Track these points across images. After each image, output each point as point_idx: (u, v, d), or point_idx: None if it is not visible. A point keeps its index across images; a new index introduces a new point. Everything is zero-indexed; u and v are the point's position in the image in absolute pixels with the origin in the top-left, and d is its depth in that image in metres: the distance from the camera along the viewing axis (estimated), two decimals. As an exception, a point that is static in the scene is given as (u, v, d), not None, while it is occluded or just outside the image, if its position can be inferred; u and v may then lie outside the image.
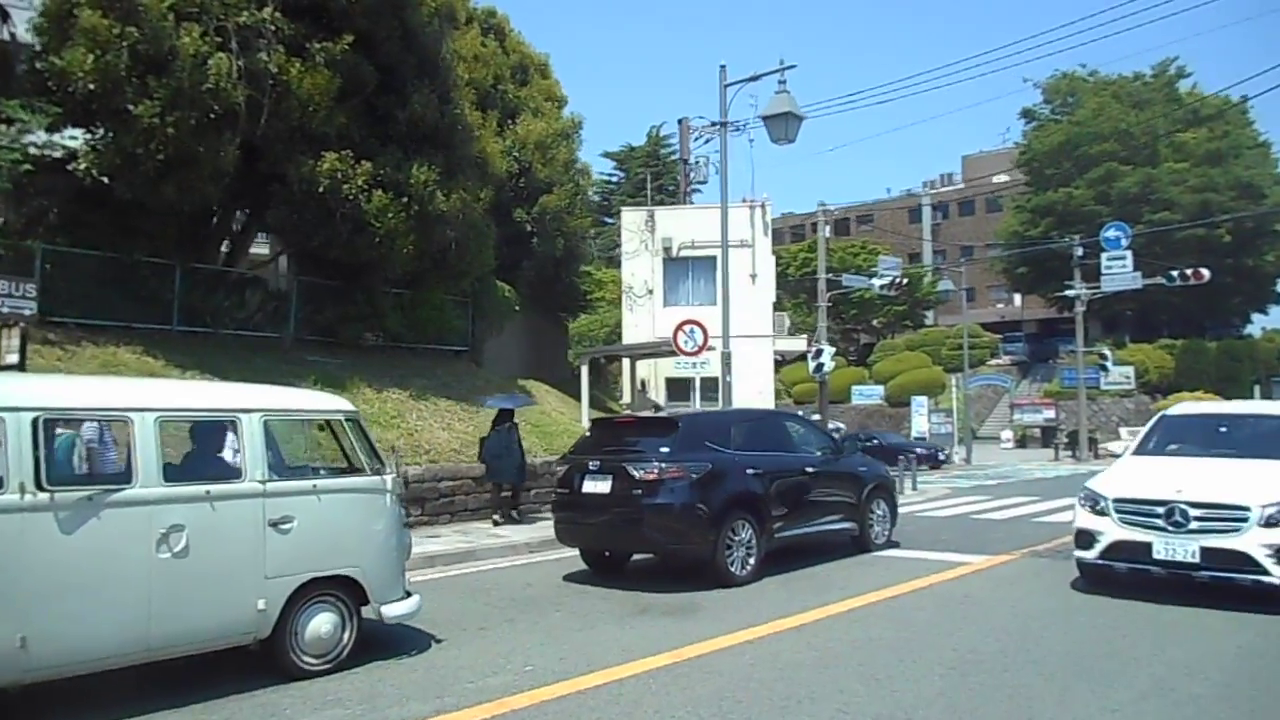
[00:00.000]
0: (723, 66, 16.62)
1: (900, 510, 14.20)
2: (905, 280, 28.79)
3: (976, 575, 9.97)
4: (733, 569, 9.34)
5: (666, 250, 23.69)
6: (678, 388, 23.88)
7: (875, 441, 32.49)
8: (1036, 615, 7.94)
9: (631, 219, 24.04)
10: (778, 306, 60.21)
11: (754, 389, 22.98)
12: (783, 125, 16.30)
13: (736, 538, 9.42)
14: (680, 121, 32.38)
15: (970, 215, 78.15)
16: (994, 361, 50.71)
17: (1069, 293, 34.20)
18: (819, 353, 25.02)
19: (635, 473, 9.14)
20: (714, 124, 34.70)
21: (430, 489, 13.91)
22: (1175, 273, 31.19)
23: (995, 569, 10.34)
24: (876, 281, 27.95)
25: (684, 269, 23.88)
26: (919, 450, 30.71)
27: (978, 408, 46.56)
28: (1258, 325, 58.98)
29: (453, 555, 11.45)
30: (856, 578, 9.76)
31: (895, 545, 12.01)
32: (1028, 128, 51.75)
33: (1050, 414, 39.26)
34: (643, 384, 23.62)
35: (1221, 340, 44.95)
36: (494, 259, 18.95)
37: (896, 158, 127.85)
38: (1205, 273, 30.60)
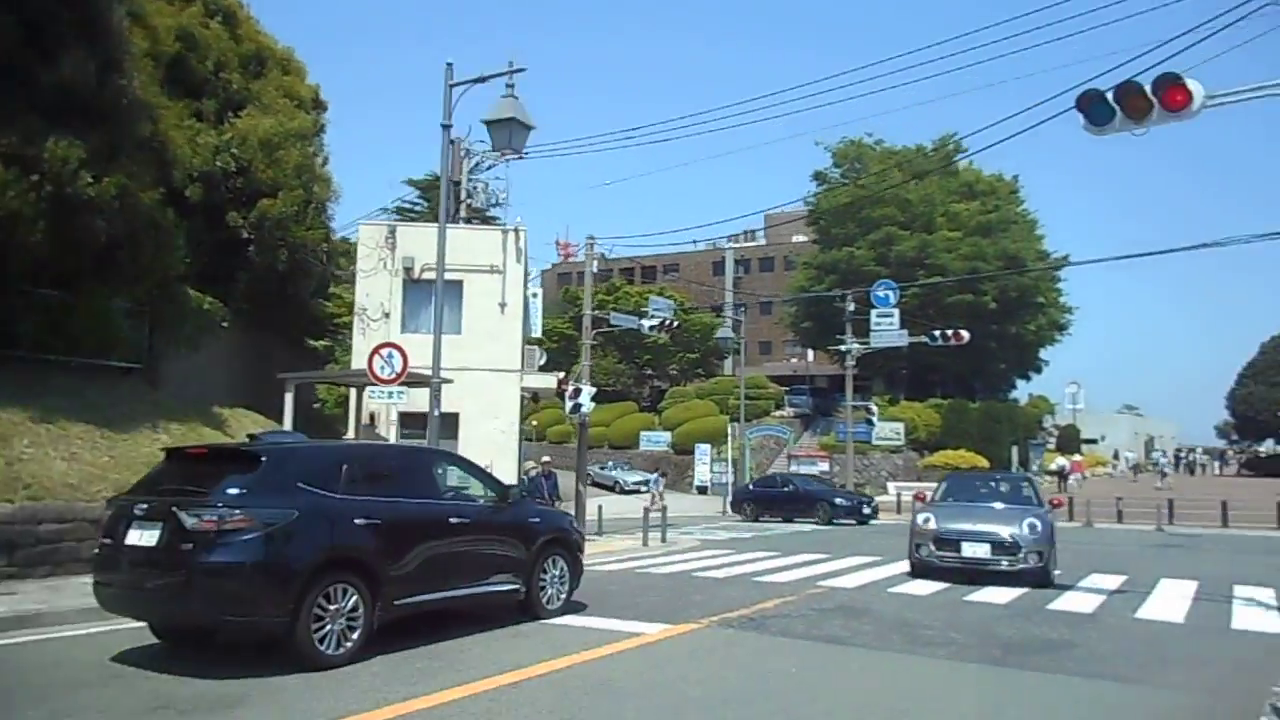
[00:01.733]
0: (449, 65, 14.89)
1: (625, 565, 12.60)
2: (675, 323, 27.95)
3: (640, 651, 8.42)
4: (322, 646, 7.35)
5: (408, 271, 21.61)
6: (413, 423, 21.68)
7: (790, 488, 31.17)
8: (668, 709, 6.41)
9: (370, 234, 21.83)
10: (562, 349, 59.06)
11: (497, 428, 21.13)
12: (506, 132, 14.75)
13: (332, 607, 7.44)
14: (452, 142, 30.52)
15: (770, 271, 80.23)
16: (778, 413, 51.17)
17: (842, 348, 34.45)
18: (577, 392, 23.52)
19: (187, 520, 7.03)
20: (492, 149, 33.13)
21: (24, 533, 11.16)
22: (939, 332, 31.89)
23: (666, 642, 8.83)
24: (646, 322, 26.91)
25: (427, 292, 21.80)
26: (839, 500, 29.55)
27: (759, 458, 46.56)
28: (1024, 390, 62.98)
29: (5, 620, 8.92)
30: (494, 654, 8.00)
31: (578, 609, 10.37)
32: (819, 190, 53.19)
33: (824, 466, 39.47)
34: (372, 417, 21.30)
35: (984, 402, 47.06)
36: (184, 263, 16.31)
37: (705, 212, 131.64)
38: (965, 334, 31.46)
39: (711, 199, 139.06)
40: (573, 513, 25.03)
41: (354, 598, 7.65)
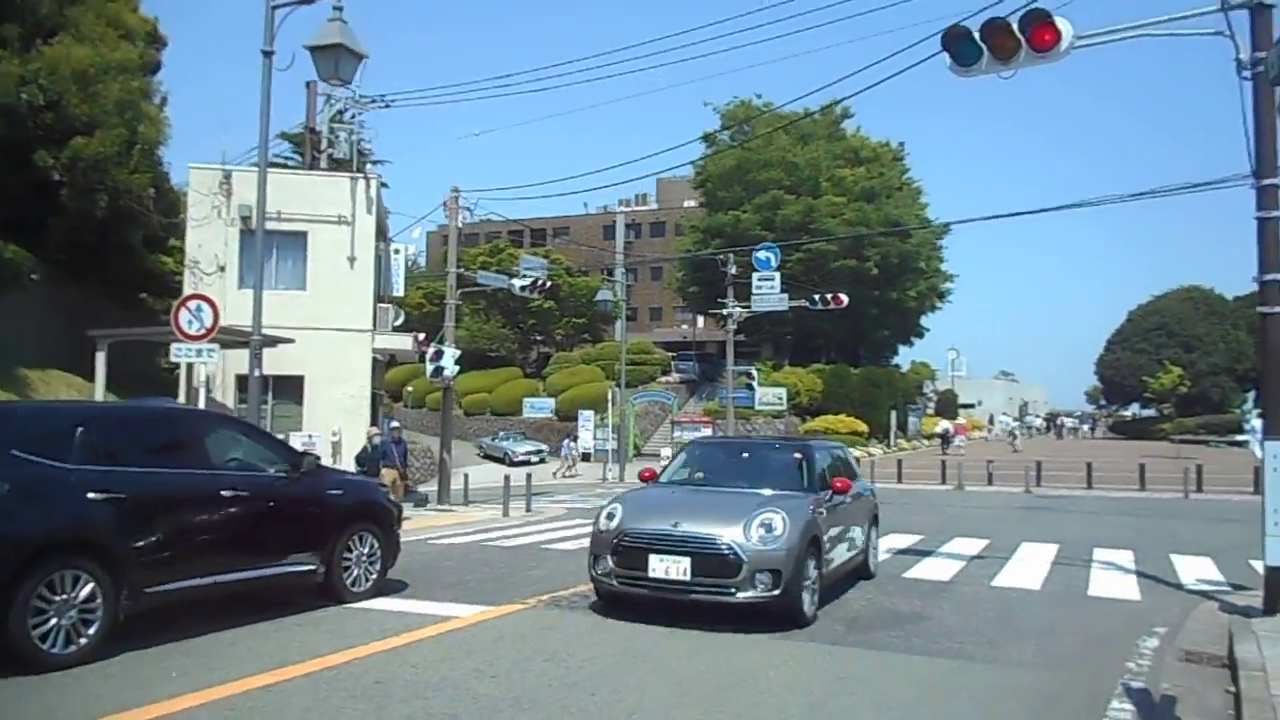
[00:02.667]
0: (270, -18, 13.26)
1: (474, 537, 11.48)
2: (549, 283, 26.74)
3: (441, 639, 7.35)
4: (45, 645, 6.07)
5: (245, 220, 19.76)
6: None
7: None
8: (441, 717, 5.37)
9: (202, 179, 19.83)
10: (443, 312, 57.20)
11: (346, 392, 19.63)
12: (333, 60, 13.29)
13: (57, 598, 6.15)
14: (308, 84, 28.46)
15: (661, 236, 79.47)
16: (664, 379, 50.63)
17: (723, 311, 33.85)
18: (439, 354, 22.16)
19: None
20: (357, 97, 31.03)
21: None
22: (818, 297, 31.55)
23: (478, 627, 7.79)
24: (517, 282, 25.62)
25: (268, 245, 19.99)
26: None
27: (644, 424, 45.96)
28: (907, 356, 64.14)
29: None
30: (268, 648, 6.84)
31: (393, 590, 9.28)
32: (708, 152, 52.49)
33: (708, 432, 39.02)
34: (207, 380, 19.47)
35: (865, 368, 47.46)
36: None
37: (598, 176, 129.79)
38: (844, 298, 31.18)
39: (604, 162, 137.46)
40: (438, 482, 23.91)
41: (88, 586, 6.36)
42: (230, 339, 18.47)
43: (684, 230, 59.27)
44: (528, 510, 20.04)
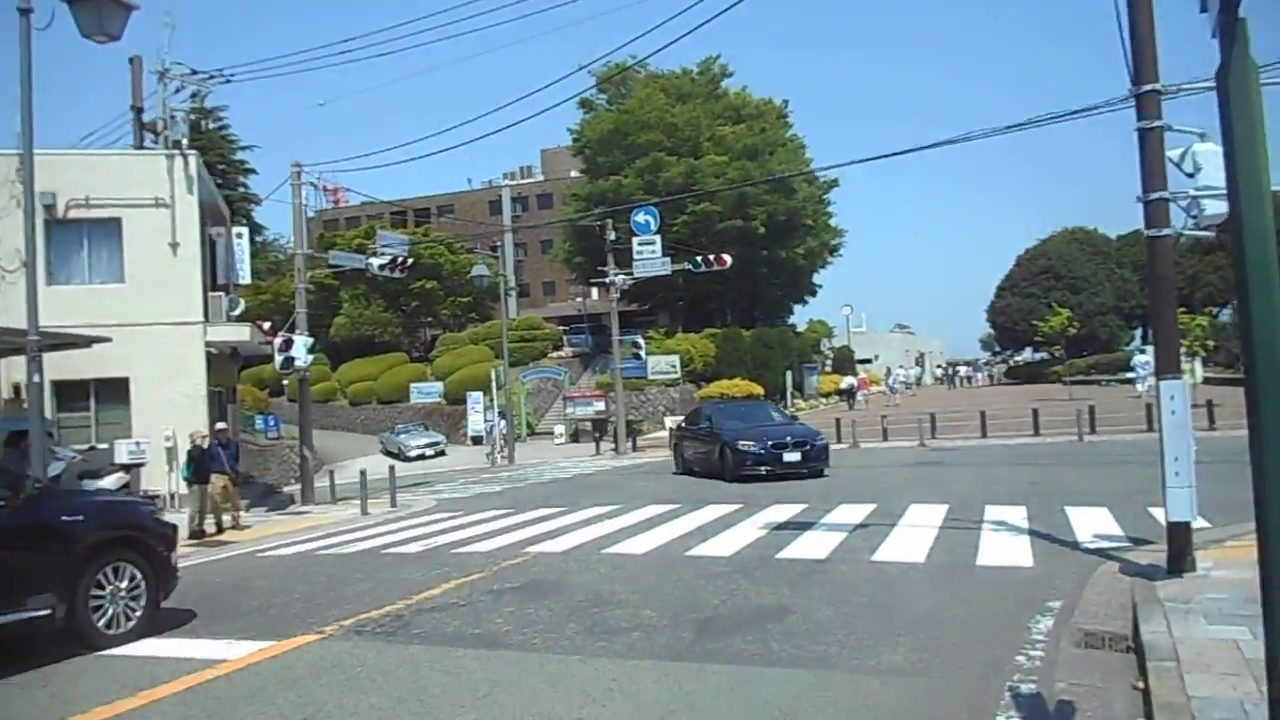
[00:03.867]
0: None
1: (312, 544, 9.90)
2: (411, 260, 24.83)
3: (181, 697, 5.79)
4: None
5: (49, 209, 17.37)
6: (71, 393, 17.75)
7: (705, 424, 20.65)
8: None
9: (-6, 165, 17.40)
10: (321, 300, 54.01)
11: (179, 391, 17.51)
12: (96, 13, 11.28)
13: None
14: (131, 60, 25.80)
15: (549, 208, 77.36)
16: (556, 354, 49.04)
17: (605, 280, 32.44)
18: (288, 344, 20.15)
19: None
20: (195, 71, 28.37)
21: None
22: (701, 258, 30.39)
23: (248, 671, 6.27)
24: (375, 261, 23.60)
25: (77, 235, 17.74)
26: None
27: (537, 402, 44.41)
28: (803, 315, 63.87)
29: None
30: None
31: (169, 626, 7.78)
32: (587, 118, 50.79)
33: (600, 406, 37.72)
34: (17, 389, 17.17)
35: (757, 329, 46.73)
36: None
37: (479, 149, 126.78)
38: (727, 258, 30.13)
39: (485, 134, 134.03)
40: (301, 481, 21.94)
41: None
42: (22, 342, 16.23)
43: (567, 200, 57.47)
44: (392, 505, 18.41)
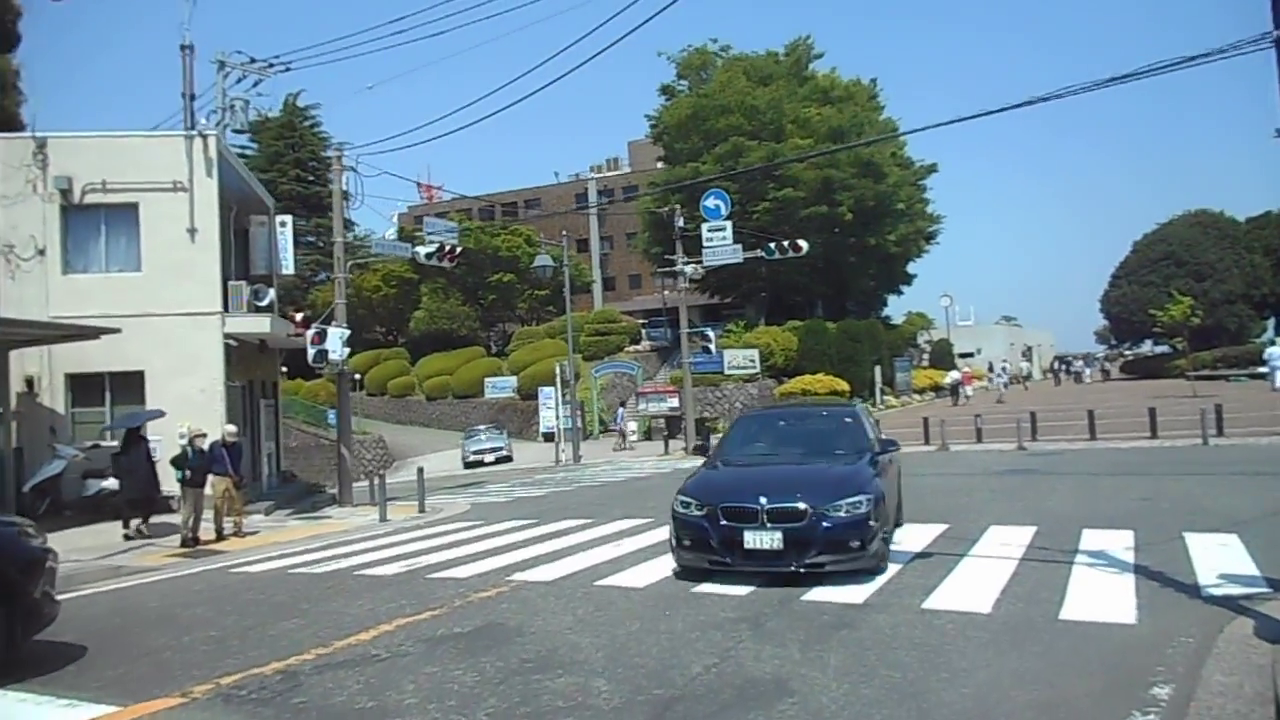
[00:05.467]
0: None
1: (298, 559, 8.65)
2: (460, 248, 23.46)
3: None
4: None
5: (64, 194, 16.56)
6: (85, 388, 16.89)
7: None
8: None
9: (11, 150, 16.64)
10: (401, 294, 53.12)
11: (195, 386, 16.46)
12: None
13: None
14: (183, 48, 25.19)
15: (635, 200, 75.96)
16: (633, 348, 47.37)
17: (674, 268, 30.60)
18: (321, 336, 19.01)
19: None
20: (253, 60, 27.72)
21: None
22: (774, 244, 28.24)
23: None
24: (422, 250, 22.35)
25: (94, 221, 16.88)
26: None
27: (611, 398, 42.85)
28: (900, 307, 60.74)
29: None
30: None
31: (44, 671, 6.41)
32: (666, 104, 48.99)
33: (674, 402, 35.85)
34: (30, 382, 16.40)
35: (844, 321, 44.04)
36: None
37: (565, 141, 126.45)
38: (803, 244, 27.91)
39: (568, 128, 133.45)
40: (339, 481, 20.82)
41: None
42: (33, 334, 15.42)
43: (646, 189, 55.78)
44: (420, 511, 17.01)
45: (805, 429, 10.50)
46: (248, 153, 68.07)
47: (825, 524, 7.95)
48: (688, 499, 8.54)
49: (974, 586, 7.79)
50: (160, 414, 15.09)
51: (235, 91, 27.10)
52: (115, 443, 16.07)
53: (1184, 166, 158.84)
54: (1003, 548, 9.47)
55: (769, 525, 7.99)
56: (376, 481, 16.83)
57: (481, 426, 39.42)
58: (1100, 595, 7.30)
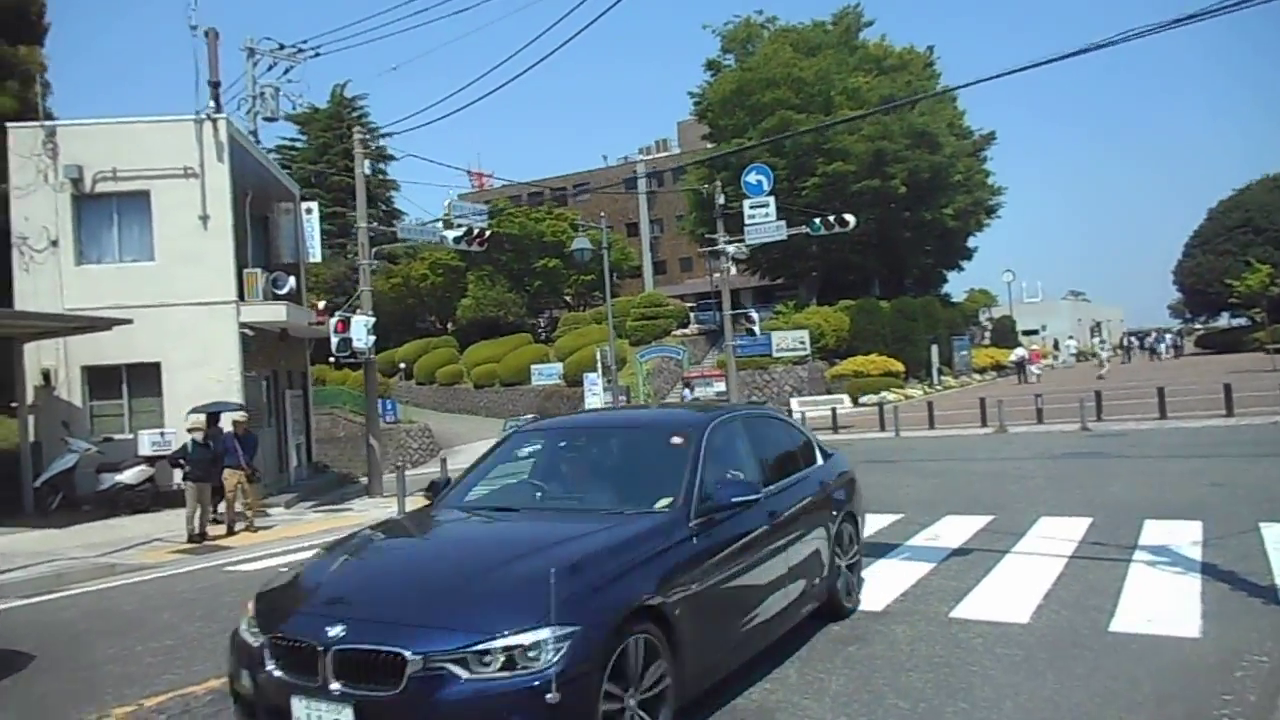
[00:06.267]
0: None
1: (301, 556, 8.03)
2: (489, 231, 22.77)
3: None
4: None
5: (75, 183, 16.22)
6: (102, 380, 16.60)
7: None
8: None
9: (21, 140, 16.31)
10: (449, 281, 52.58)
11: (211, 377, 16.04)
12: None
13: None
14: (208, 32, 24.89)
15: (681, 181, 74.80)
16: (681, 331, 46.39)
17: (715, 247, 29.58)
18: (345, 324, 18.50)
19: None
20: (282, 46, 27.37)
21: None
22: (819, 220, 27.03)
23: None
24: (450, 234, 21.71)
25: (106, 210, 16.51)
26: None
27: (658, 383, 42.02)
28: (961, 283, 58.61)
29: None
30: None
31: None
32: (711, 80, 47.78)
33: (721, 386, 34.79)
34: (47, 375, 16.14)
35: (896, 300, 42.50)
36: None
37: (609, 122, 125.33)
38: (850, 218, 26.57)
39: (618, 111, 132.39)
40: (368, 471, 20.39)
41: None
42: (47, 325, 15.16)
43: (690, 170, 54.67)
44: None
45: (597, 456, 5.95)
46: (297, 144, 68.62)
47: (447, 691, 3.49)
48: (253, 610, 4.25)
49: (1014, 590, 6.83)
50: (240, 406, 14.95)
51: (267, 79, 26.94)
52: (130, 436, 15.80)
53: (1263, 127, 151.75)
54: (1052, 543, 8.46)
55: (336, 690, 3.61)
56: (411, 470, 16.29)
57: (524, 416, 38.73)
58: (1160, 600, 6.31)
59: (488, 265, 52.27)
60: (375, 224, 21.01)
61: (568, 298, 55.04)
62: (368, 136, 20.62)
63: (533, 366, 44.53)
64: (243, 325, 16.62)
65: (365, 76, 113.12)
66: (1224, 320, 64.79)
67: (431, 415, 47.13)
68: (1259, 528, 8.44)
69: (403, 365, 53.04)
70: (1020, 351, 44.28)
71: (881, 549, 8.65)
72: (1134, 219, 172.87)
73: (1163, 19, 8.82)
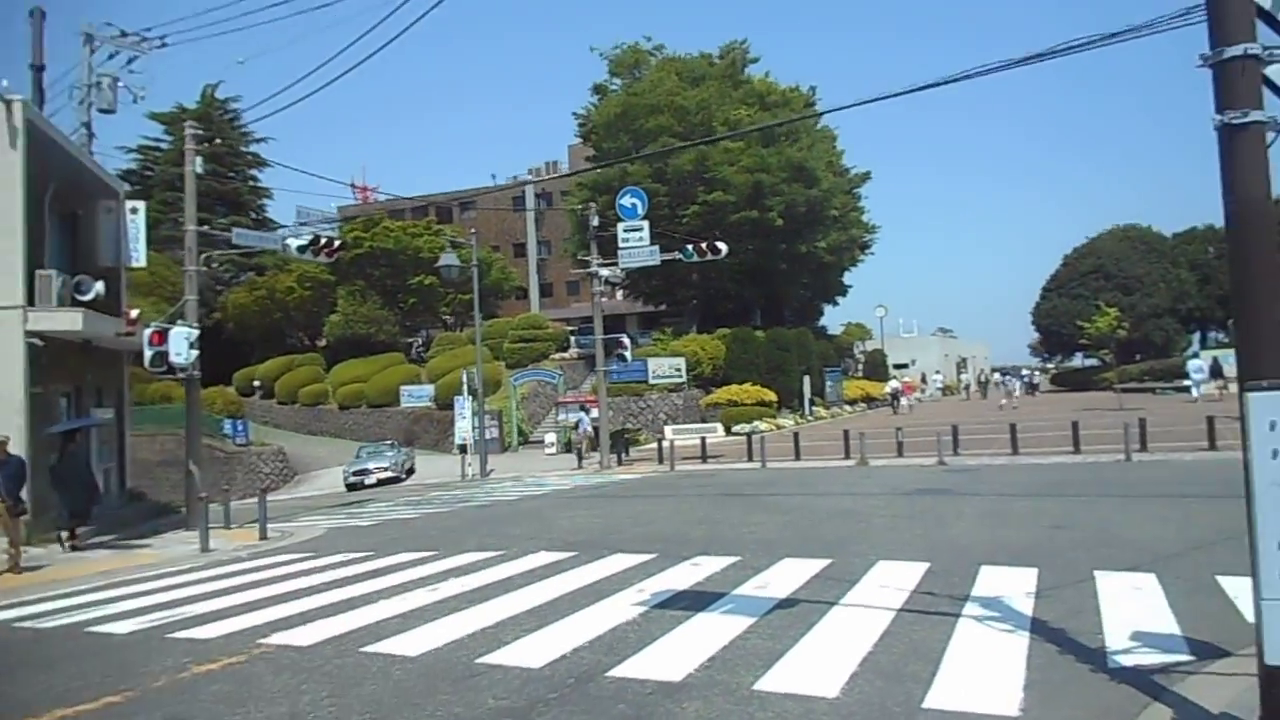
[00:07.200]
0: None
1: (48, 607, 6.93)
2: (338, 241, 21.47)
3: None
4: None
5: None
6: None
7: None
8: None
9: None
10: (317, 296, 50.39)
11: (-5, 393, 14.22)
12: None
13: None
14: (33, 11, 22.95)
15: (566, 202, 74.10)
16: (559, 355, 45.53)
17: (587, 270, 28.90)
18: (161, 336, 16.89)
19: None
20: (125, 34, 25.36)
21: None
22: (691, 247, 26.68)
23: None
24: (294, 242, 20.28)
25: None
26: None
27: (533, 407, 40.97)
28: (838, 317, 59.60)
29: None
30: None
31: None
32: (593, 101, 47.40)
33: (596, 413, 34.03)
34: None
35: (771, 330, 42.72)
36: None
37: (502, 147, 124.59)
38: (722, 246, 26.39)
39: (512, 133, 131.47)
40: (186, 502, 18.65)
41: None
42: None
43: (572, 191, 54.07)
44: (262, 538, 15.01)
45: None
46: (162, 145, 64.91)
47: None
48: None
49: (831, 652, 6.16)
50: (101, 421, 14.09)
51: (109, 69, 24.84)
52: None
53: (1115, 180, 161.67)
54: (884, 593, 7.88)
55: None
56: (250, 502, 14.81)
57: (368, 446, 36.40)
58: (982, 668, 5.72)
59: (360, 280, 50.33)
60: (206, 227, 19.38)
61: (446, 317, 53.42)
62: (203, 132, 19.06)
63: (402, 388, 42.78)
64: (30, 334, 14.82)
65: (219, 73, 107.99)
66: (1077, 360, 67.89)
67: (291, 437, 44.81)
68: (1094, 576, 8.08)
69: (257, 383, 50.33)
70: (894, 384, 45.42)
71: (705, 600, 7.92)
72: (999, 262, 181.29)
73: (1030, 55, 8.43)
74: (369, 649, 6.80)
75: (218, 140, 66.54)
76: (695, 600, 7.89)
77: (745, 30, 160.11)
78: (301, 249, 20.05)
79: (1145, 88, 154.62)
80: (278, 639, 7.27)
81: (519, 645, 6.67)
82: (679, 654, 6.24)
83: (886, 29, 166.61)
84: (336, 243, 21.03)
